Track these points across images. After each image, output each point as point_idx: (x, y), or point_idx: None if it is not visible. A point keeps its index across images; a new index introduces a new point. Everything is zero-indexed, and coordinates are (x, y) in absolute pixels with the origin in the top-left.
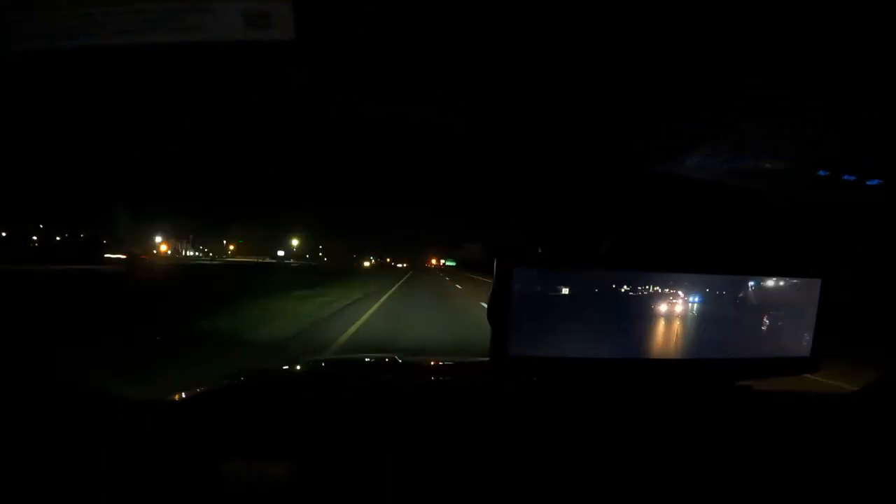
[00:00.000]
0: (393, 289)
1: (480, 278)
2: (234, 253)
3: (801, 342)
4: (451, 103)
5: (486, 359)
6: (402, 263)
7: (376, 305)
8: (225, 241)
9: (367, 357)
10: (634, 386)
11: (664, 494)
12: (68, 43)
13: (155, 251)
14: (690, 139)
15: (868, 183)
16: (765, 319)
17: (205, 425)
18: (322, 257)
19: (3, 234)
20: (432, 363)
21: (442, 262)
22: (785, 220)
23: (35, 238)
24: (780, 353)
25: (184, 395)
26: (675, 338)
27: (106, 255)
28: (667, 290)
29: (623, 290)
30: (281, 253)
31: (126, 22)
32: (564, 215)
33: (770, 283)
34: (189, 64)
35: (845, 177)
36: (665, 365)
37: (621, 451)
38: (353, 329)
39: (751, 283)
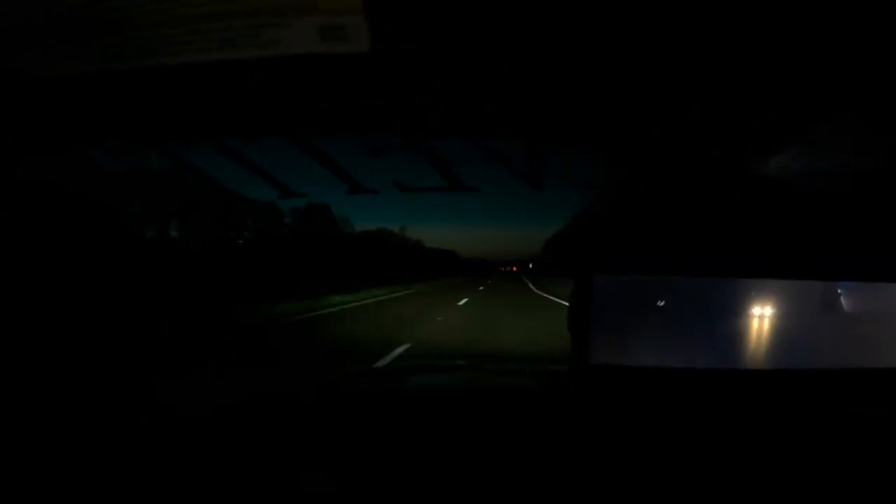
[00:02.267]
0: None
1: None
2: None
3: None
4: (514, 118)
5: (564, 367)
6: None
7: None
8: None
9: (443, 364)
10: (721, 397)
11: None
12: (148, 62)
13: None
14: (776, 139)
15: None
16: (859, 327)
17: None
18: None
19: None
20: (510, 371)
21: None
22: (873, 223)
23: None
24: (873, 363)
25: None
26: (761, 346)
27: None
28: (752, 296)
29: (709, 298)
30: None
31: (206, 40)
32: (648, 221)
33: (860, 288)
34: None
35: None
36: (754, 375)
37: (709, 466)
38: None
39: (844, 289)
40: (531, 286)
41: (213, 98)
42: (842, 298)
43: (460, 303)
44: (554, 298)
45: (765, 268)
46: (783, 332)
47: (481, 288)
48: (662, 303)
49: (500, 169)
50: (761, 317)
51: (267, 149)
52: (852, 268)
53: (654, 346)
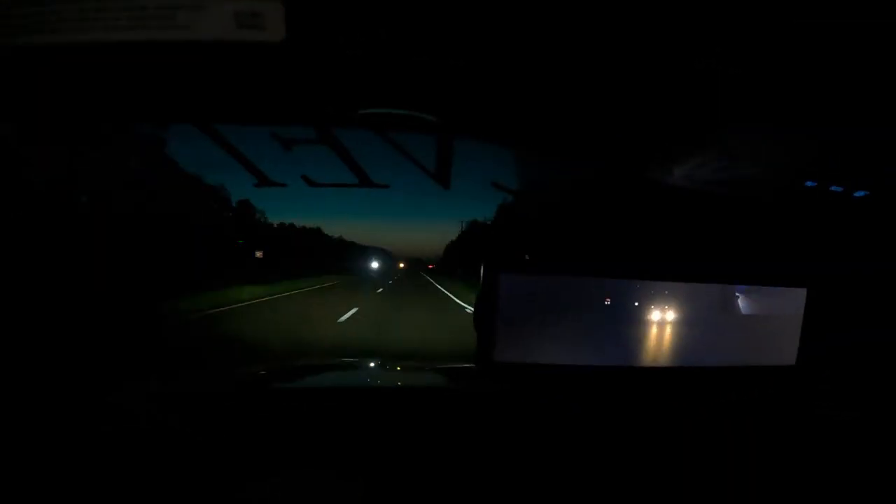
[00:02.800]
0: None
1: None
2: None
3: (787, 351)
4: (450, 110)
5: (472, 365)
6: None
7: None
8: None
9: (353, 361)
10: (619, 392)
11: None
12: (58, 38)
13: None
14: (682, 147)
15: (855, 195)
16: (751, 328)
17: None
18: None
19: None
20: (416, 368)
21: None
22: (771, 230)
23: None
24: (766, 361)
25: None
26: (661, 345)
27: None
28: (654, 297)
29: (610, 298)
30: None
31: (117, 17)
32: (553, 220)
33: (757, 291)
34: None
35: (832, 188)
36: (651, 372)
37: (603, 457)
38: None
39: (738, 292)
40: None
41: (121, 80)
42: (739, 300)
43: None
44: None
45: (667, 270)
46: (682, 330)
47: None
48: (553, 296)
49: (409, 165)
50: (662, 316)
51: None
52: (749, 271)
53: (558, 344)
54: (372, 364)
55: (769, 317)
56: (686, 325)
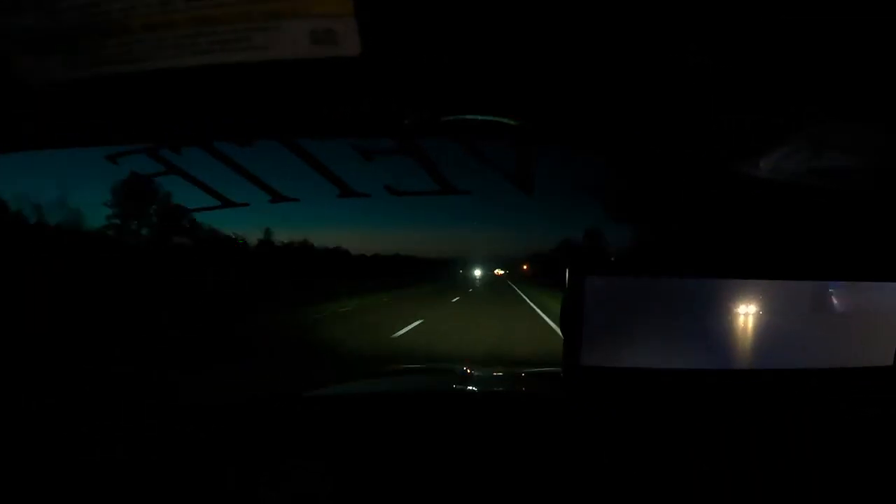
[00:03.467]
0: None
1: None
2: None
3: (886, 351)
4: (531, 117)
5: (558, 369)
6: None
7: None
8: None
9: (437, 366)
10: (709, 396)
11: None
12: (137, 67)
13: None
14: (768, 138)
15: None
16: (847, 327)
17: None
18: None
19: None
20: (502, 373)
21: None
22: (865, 222)
23: None
24: (862, 362)
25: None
26: (752, 347)
27: None
28: (742, 297)
29: (700, 299)
30: None
31: (195, 45)
32: (640, 221)
33: (851, 288)
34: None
35: None
36: (742, 375)
37: (698, 462)
38: None
39: (835, 289)
40: None
41: (203, 102)
42: (832, 298)
43: None
44: None
45: (756, 268)
46: (774, 331)
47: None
48: (641, 299)
49: (488, 172)
50: (752, 316)
51: (257, 153)
52: (843, 267)
53: (646, 348)
54: (457, 369)
55: (866, 314)
56: (778, 326)
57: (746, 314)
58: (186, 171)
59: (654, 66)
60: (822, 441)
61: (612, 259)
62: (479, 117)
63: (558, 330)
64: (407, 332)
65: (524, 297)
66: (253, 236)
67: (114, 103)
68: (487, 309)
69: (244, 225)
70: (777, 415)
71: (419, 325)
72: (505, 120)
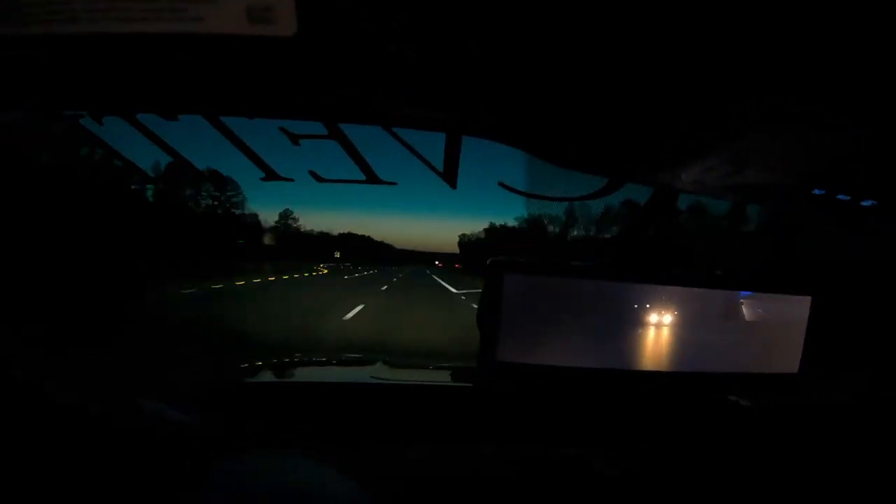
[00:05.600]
0: None
1: None
2: None
3: (790, 359)
4: (448, 105)
5: (473, 365)
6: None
7: None
8: None
9: (357, 357)
10: (619, 395)
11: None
12: (68, 29)
13: None
14: (690, 152)
15: (862, 203)
16: (754, 335)
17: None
18: None
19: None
20: (419, 367)
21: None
22: (776, 237)
23: None
24: (768, 368)
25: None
26: (663, 350)
27: None
28: (656, 302)
29: (612, 301)
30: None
31: (128, 9)
32: (558, 220)
33: (760, 298)
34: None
35: (840, 196)
36: (652, 376)
37: (601, 459)
38: None
39: (741, 298)
40: None
41: (128, 71)
42: (742, 307)
43: None
44: None
45: (671, 275)
46: (685, 336)
47: None
48: (556, 299)
49: (415, 162)
50: (664, 322)
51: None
52: (754, 278)
53: (559, 346)
54: (375, 362)
55: (772, 324)
56: (688, 331)
57: (658, 318)
58: (109, 144)
59: (581, 62)
60: (725, 441)
61: (531, 259)
62: (409, 108)
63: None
64: None
65: None
66: None
67: (35, 67)
68: None
69: None
70: (682, 414)
71: None
72: (434, 110)
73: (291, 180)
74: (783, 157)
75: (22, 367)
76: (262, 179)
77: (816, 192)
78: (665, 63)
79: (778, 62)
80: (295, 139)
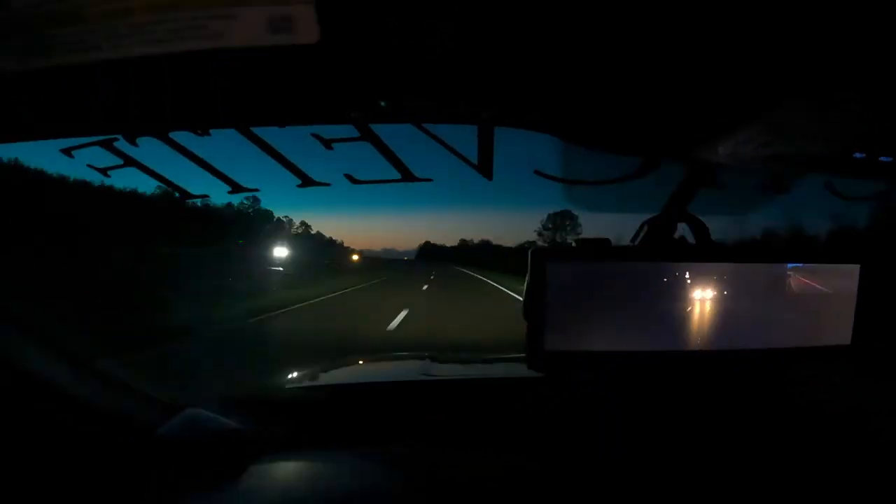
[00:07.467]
0: None
1: None
2: None
3: (842, 330)
4: (491, 101)
5: (522, 355)
6: None
7: None
8: None
9: (403, 355)
10: (673, 378)
11: (706, 489)
12: (92, 56)
13: None
14: (725, 124)
15: None
16: (804, 307)
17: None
18: None
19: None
20: (466, 360)
21: None
22: (822, 206)
23: None
24: (819, 342)
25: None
26: (712, 329)
27: None
28: (701, 279)
29: (659, 282)
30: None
31: (151, 32)
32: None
33: (808, 269)
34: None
35: (882, 158)
36: (703, 356)
37: (660, 444)
38: None
39: (789, 271)
40: None
41: (158, 92)
42: (790, 279)
43: None
44: None
45: (716, 251)
46: (732, 313)
47: None
48: (601, 283)
49: (449, 156)
50: (710, 299)
51: (213, 143)
52: (800, 249)
53: (606, 331)
54: (421, 359)
55: (822, 295)
56: (737, 307)
57: (704, 297)
58: (143, 164)
59: (610, 49)
60: (777, 419)
61: (573, 245)
62: (438, 103)
63: None
64: None
65: None
66: None
67: (67, 95)
68: None
69: None
70: (735, 394)
71: None
72: (464, 104)
73: (328, 185)
74: (821, 122)
75: (67, 374)
76: (299, 186)
77: (857, 155)
78: (699, 35)
79: (814, 29)
80: (328, 143)
